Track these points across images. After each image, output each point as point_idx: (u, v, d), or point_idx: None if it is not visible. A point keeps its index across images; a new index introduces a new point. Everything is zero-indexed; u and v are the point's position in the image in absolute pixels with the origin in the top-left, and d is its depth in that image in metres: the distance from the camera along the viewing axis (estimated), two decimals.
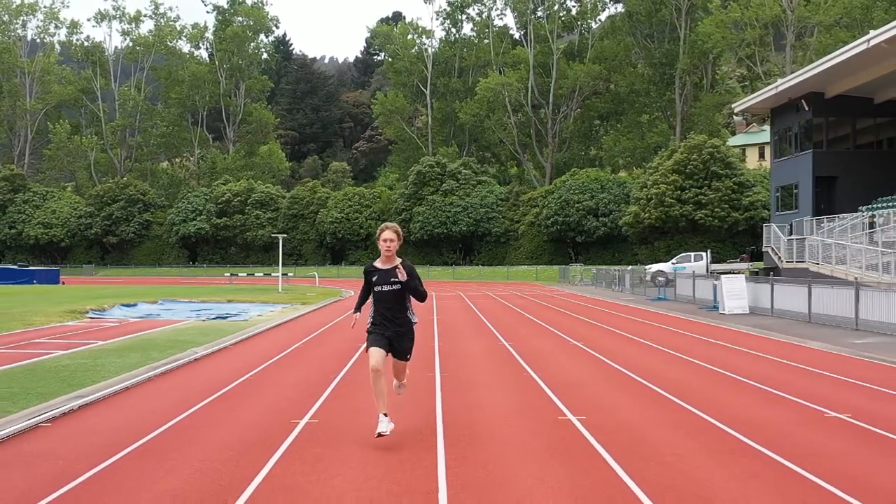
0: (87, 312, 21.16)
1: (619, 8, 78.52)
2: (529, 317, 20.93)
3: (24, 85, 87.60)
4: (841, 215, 30.66)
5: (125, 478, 5.49)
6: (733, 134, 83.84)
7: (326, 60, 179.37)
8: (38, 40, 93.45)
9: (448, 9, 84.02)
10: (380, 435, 6.18)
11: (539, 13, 78.93)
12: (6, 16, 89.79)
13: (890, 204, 30.56)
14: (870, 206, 31.32)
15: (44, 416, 7.60)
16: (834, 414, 7.52)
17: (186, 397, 8.71)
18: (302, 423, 7.28)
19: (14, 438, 6.76)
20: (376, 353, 6.28)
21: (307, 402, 8.30)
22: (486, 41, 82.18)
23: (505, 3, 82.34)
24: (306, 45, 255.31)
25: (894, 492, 5.00)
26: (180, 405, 8.21)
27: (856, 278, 19.28)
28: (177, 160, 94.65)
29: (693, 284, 25.54)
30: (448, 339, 15.11)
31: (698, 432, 6.81)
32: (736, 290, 20.27)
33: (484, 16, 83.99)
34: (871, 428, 6.90)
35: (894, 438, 6.51)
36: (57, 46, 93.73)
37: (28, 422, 7.29)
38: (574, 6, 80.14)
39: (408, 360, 6.67)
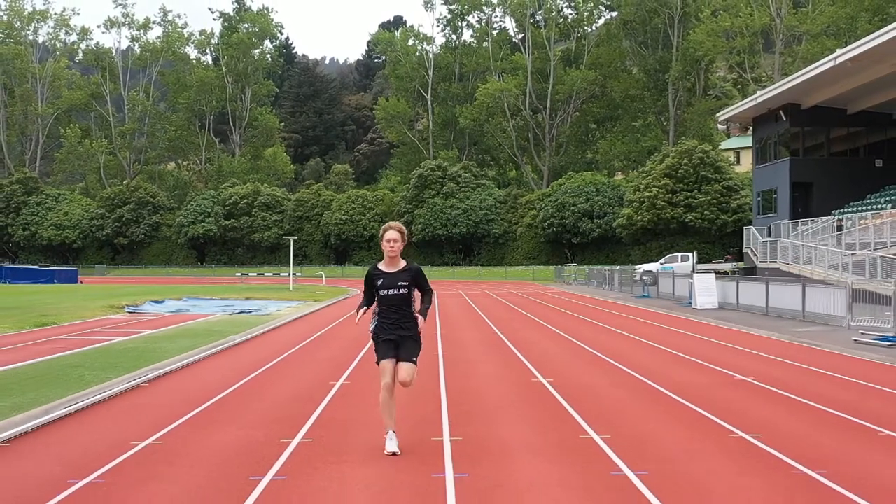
0: (124, 307, 23.49)
1: (615, 14, 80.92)
2: (522, 311, 23.26)
3: (35, 90, 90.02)
4: (814, 219, 33.01)
5: (221, 412, 7.80)
6: (728, 136, 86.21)
7: (328, 62, 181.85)
8: (49, 46, 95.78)
9: (448, 16, 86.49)
10: (393, 454, 5.92)
11: (538, 17, 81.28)
12: (18, 22, 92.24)
13: (858, 208, 32.91)
14: (842, 210, 33.65)
15: (139, 379, 9.93)
16: (741, 377, 9.86)
17: (241, 369, 11.01)
18: (338, 384, 9.61)
19: (124, 394, 9.06)
20: (388, 368, 6.05)
21: (339, 371, 10.63)
22: (485, 43, 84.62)
23: (504, 12, 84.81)
24: (308, 46, 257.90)
25: (752, 417, 7.30)
26: (238, 374, 10.52)
27: (803, 275, 21.60)
28: (184, 163, 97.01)
29: (673, 283, 27.88)
30: (449, 329, 17.42)
31: (634, 388, 9.14)
32: (706, 287, 22.61)
33: (483, 22, 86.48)
34: (762, 385, 9.25)
35: (775, 391, 8.83)
36: (62, 49, 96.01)
37: (129, 384, 9.60)
38: (571, 14, 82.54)
39: (414, 362, 6.15)
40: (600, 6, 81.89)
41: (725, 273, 34.58)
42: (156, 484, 5.29)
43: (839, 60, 29.19)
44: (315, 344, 14.52)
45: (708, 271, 31.94)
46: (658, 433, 6.72)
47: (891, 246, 24.65)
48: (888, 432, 6.70)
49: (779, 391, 8.83)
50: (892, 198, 32.26)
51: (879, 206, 31.41)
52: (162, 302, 26.67)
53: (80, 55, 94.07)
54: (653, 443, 6.36)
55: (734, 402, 8.15)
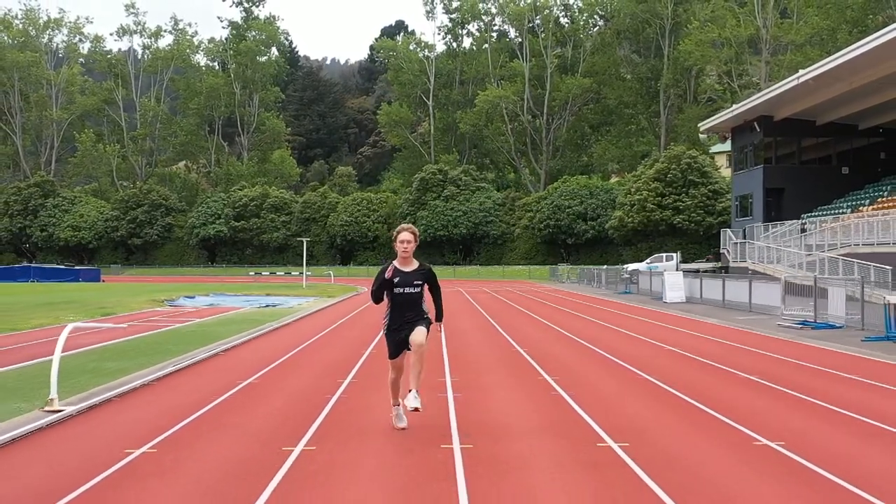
0: (164, 302, 26.66)
1: (609, 23, 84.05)
2: (514, 305, 26.42)
3: (50, 96, 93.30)
4: (782, 222, 36.14)
5: (288, 368, 10.94)
6: (722, 140, 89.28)
7: (328, 62, 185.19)
8: (63, 53, 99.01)
9: (449, 24, 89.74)
10: (402, 429, 6.68)
11: (537, 20, 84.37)
12: (33, 30, 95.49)
13: (825, 212, 36.03)
14: (811, 214, 36.78)
15: (214, 351, 13.08)
16: (673, 349, 13.03)
17: (288, 345, 14.16)
18: (367, 352, 12.77)
19: (208, 360, 12.18)
20: (398, 366, 6.71)
21: (366, 345, 13.79)
22: (484, 46, 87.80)
23: (503, 21, 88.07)
24: (309, 47, 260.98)
25: (661, 368, 10.43)
26: (288, 347, 13.66)
27: (768, 273, 24.71)
28: (193, 166, 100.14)
29: (650, 280, 31.03)
30: (449, 318, 20.47)
31: (588, 356, 12.31)
32: (675, 283, 25.76)
33: (482, 31, 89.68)
34: (684, 353, 12.42)
35: (691, 356, 11.99)
36: (80, 58, 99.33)
37: (208, 353, 12.75)
38: (566, 23, 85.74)
39: (427, 328, 6.56)
40: (595, 16, 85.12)
41: (706, 272, 37.67)
42: (267, 399, 8.45)
43: (802, 79, 32.33)
44: (340, 328, 17.68)
45: (698, 270, 35.17)
46: (592, 377, 9.91)
47: (841, 247, 27.81)
48: (746, 375, 9.86)
49: (693, 356, 12.00)
50: (854, 203, 35.41)
51: (842, 211, 34.57)
52: (193, 297, 29.83)
53: (94, 62, 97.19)
54: (586, 381, 9.54)
55: (655, 362, 11.33)
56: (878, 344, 13.19)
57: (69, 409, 7.76)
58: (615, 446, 6.17)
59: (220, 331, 16.53)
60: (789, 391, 8.73)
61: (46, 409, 7.78)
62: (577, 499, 4.91)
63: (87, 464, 5.77)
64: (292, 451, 6.15)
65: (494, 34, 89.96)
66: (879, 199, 33.14)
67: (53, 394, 7.95)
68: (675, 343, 13.87)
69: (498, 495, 4.99)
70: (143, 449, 6.21)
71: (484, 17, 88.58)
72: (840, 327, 15.76)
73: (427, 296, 6.66)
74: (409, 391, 6.43)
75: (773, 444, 6.19)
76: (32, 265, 61.65)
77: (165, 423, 7.14)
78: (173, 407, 8.02)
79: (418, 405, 6.37)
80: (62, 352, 8.42)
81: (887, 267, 21.68)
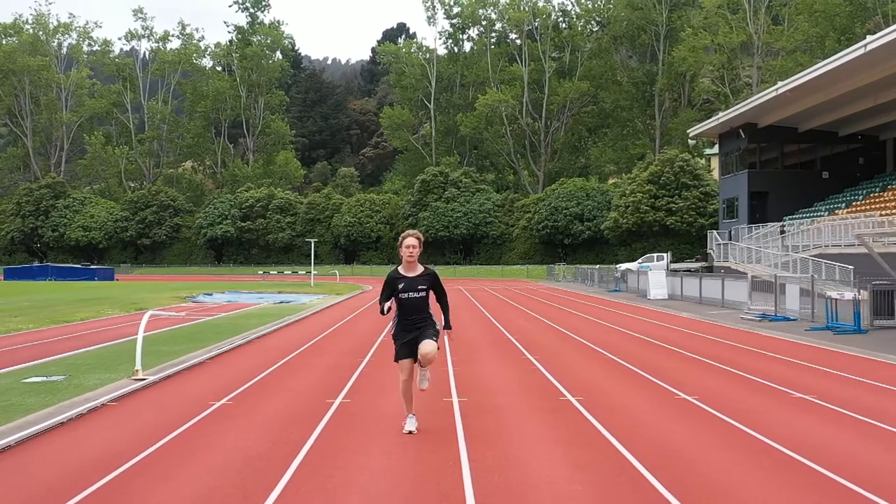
0: (186, 298, 28.79)
1: (606, 28, 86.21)
2: (510, 302, 28.55)
3: (59, 99, 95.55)
4: (765, 224, 38.26)
5: (315, 351, 13.07)
6: (710, 146, 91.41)
7: (329, 62, 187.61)
8: (68, 55, 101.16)
9: (450, 29, 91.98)
10: (409, 433, 6.76)
11: (536, 23, 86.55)
12: (43, 35, 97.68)
13: (805, 215, 38.15)
14: (792, 217, 38.89)
15: (248, 339, 15.23)
16: (637, 335, 15.16)
17: (310, 334, 16.30)
18: (378, 341, 14.91)
19: (244, 345, 14.31)
20: (406, 367, 6.78)
21: (376, 334, 15.94)
22: (484, 49, 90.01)
23: (503, 25, 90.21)
24: (311, 47, 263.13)
25: (622, 349, 12.55)
26: (310, 335, 15.81)
27: (747, 272, 26.81)
28: (199, 167, 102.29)
29: (637, 279, 33.16)
30: (450, 312, 22.67)
31: (567, 340, 14.46)
32: (658, 281, 27.89)
33: (483, 36, 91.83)
34: (646, 338, 14.56)
35: (650, 341, 14.12)
36: (88, 62, 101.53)
37: (243, 340, 14.89)
38: (564, 28, 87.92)
39: (435, 339, 6.68)
40: (592, 22, 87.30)
41: (686, 271, 39.78)
42: (305, 371, 10.59)
43: (781, 91, 34.43)
44: (352, 321, 19.83)
45: (688, 269, 37.26)
46: (566, 356, 12.06)
47: (813, 248, 29.94)
48: (685, 353, 12.00)
49: (652, 340, 14.16)
50: (832, 206, 37.53)
51: (820, 214, 36.71)
52: (211, 294, 31.97)
53: (102, 66, 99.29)
54: (560, 359, 11.69)
55: (619, 345, 13.48)
56: (819, 333, 15.31)
57: (151, 378, 9.90)
58: (573, 399, 8.31)
59: (246, 323, 18.67)
60: (714, 363, 10.91)
61: (133, 377, 9.92)
62: (539, 429, 7.05)
63: (184, 410, 7.91)
64: (333, 402, 8.30)
65: (494, 38, 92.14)
66: (855, 203, 35.28)
67: (138, 366, 10.11)
68: (642, 331, 16.02)
69: (484, 427, 7.13)
70: (222, 401, 8.36)
71: (484, 23, 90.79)
72: (794, 319, 17.89)
73: (435, 306, 6.84)
74: (409, 414, 6.92)
75: (689, 398, 8.33)
76: (50, 264, 63.81)
77: (232, 386, 9.29)
78: (234, 376, 10.17)
79: (413, 428, 6.79)
80: (121, 338, 10.54)
81: (849, 266, 23.79)
